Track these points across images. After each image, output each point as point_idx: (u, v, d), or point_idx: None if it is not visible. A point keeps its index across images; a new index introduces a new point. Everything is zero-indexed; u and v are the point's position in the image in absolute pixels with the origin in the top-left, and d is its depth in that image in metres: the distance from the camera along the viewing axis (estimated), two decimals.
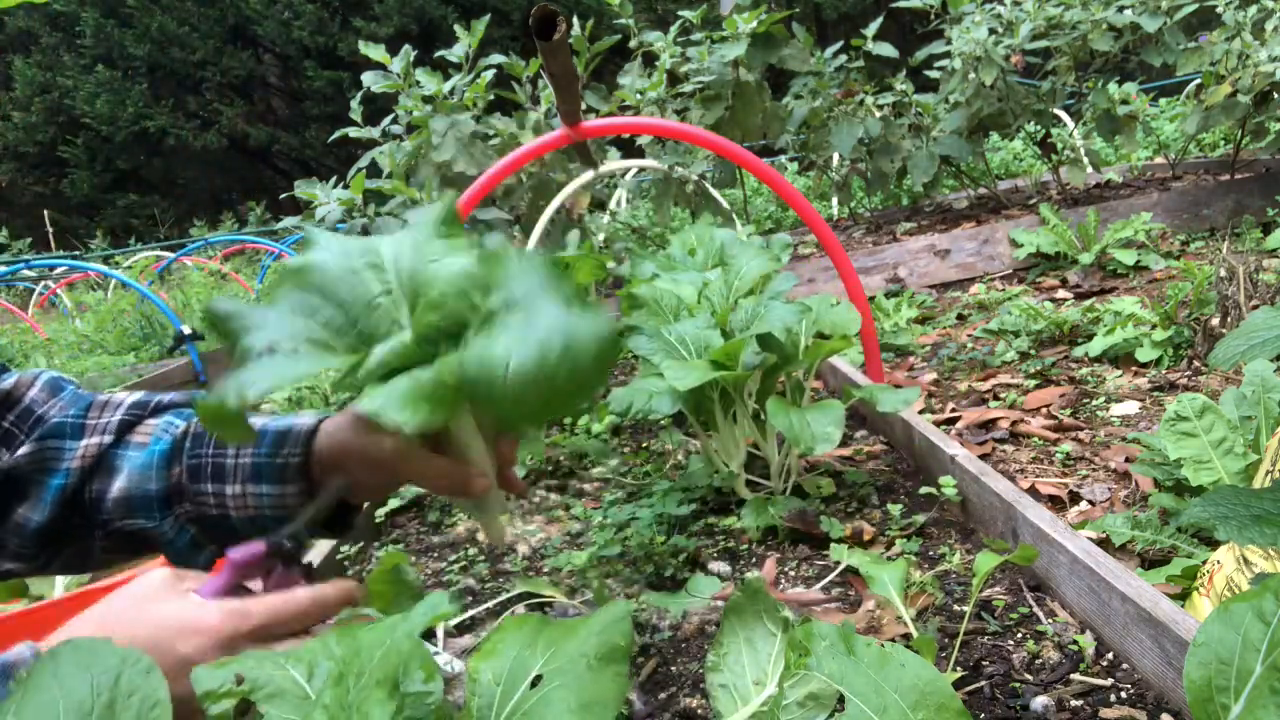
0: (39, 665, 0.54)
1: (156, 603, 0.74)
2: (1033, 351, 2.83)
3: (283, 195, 5.69)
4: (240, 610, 0.73)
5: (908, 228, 5.09)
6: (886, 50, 4.84)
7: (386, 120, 4.20)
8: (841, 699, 0.65)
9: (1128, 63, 4.83)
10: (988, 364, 2.81)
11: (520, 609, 1.62)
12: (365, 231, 3.83)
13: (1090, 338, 2.76)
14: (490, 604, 1.65)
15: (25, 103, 20.37)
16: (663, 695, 1.28)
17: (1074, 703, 1.13)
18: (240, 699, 0.57)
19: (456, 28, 4.19)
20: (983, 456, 2.02)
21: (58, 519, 0.92)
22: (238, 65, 20.89)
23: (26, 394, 0.95)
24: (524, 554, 1.86)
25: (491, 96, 4.18)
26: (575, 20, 3.92)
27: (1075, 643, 1.25)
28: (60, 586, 1.78)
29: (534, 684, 0.60)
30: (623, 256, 4.12)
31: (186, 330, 5.44)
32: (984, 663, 1.25)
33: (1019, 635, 1.31)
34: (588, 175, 3.57)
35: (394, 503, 2.23)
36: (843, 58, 4.98)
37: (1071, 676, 1.19)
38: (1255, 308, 2.12)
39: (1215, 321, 2.38)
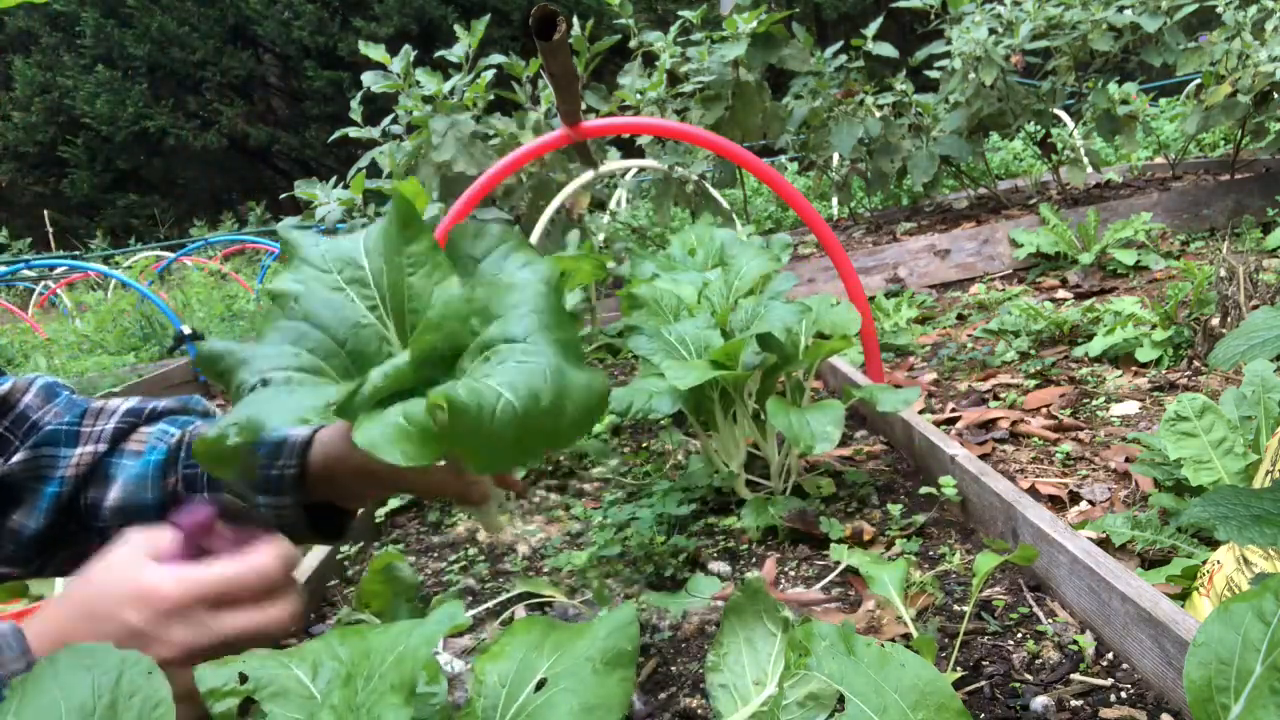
0: (39, 667, 0.54)
1: (115, 571, 0.73)
2: (1033, 351, 2.83)
3: (283, 195, 5.69)
4: (192, 578, 0.72)
5: (908, 228, 5.09)
6: (886, 50, 4.84)
7: (386, 120, 4.20)
8: (841, 699, 0.65)
9: (1128, 63, 4.83)
10: (988, 364, 2.81)
11: (520, 609, 1.62)
12: None
13: (1090, 338, 2.76)
14: (490, 604, 1.65)
15: (25, 103, 20.37)
16: (663, 695, 1.28)
17: (1074, 703, 1.13)
18: (243, 698, 0.57)
19: (456, 28, 4.19)
20: (983, 456, 2.02)
21: (53, 525, 0.92)
22: (238, 65, 20.88)
23: (21, 399, 0.94)
24: (524, 554, 1.86)
25: (491, 96, 4.18)
26: (575, 20, 3.92)
27: (1075, 643, 1.25)
28: (60, 587, 1.78)
29: (539, 687, 0.60)
30: (623, 256, 4.12)
31: (186, 330, 5.44)
32: (984, 663, 1.25)
33: (1019, 635, 1.31)
34: (588, 175, 3.57)
35: (394, 503, 2.23)
36: (843, 58, 4.98)
37: (1071, 676, 1.19)
38: (1255, 308, 2.12)
39: (1215, 321, 2.38)
